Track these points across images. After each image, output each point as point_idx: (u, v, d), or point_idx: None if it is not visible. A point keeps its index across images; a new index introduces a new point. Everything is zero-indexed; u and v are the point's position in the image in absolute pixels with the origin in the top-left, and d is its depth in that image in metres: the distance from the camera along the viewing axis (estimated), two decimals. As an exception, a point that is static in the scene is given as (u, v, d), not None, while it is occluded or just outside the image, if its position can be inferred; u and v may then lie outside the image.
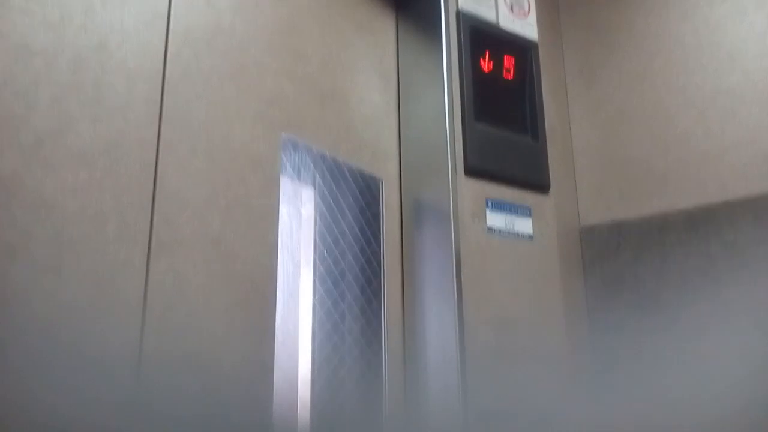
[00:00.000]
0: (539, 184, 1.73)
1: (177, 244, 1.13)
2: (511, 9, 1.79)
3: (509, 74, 1.75)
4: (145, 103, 1.13)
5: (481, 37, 1.70)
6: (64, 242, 0.99)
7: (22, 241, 0.95)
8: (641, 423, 1.66)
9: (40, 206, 0.98)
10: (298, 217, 1.38)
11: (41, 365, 0.93)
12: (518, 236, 1.66)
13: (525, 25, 1.81)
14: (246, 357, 1.20)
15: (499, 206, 1.64)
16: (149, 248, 1.09)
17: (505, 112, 1.74)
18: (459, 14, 1.67)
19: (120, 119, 1.09)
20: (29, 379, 0.92)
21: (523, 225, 1.67)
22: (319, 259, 1.39)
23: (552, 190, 1.76)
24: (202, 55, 1.24)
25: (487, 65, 1.71)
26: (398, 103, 1.71)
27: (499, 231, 1.63)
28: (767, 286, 1.58)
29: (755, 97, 1.69)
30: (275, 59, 1.39)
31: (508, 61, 1.75)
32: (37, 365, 0.93)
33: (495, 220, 1.63)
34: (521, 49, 1.79)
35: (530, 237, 1.67)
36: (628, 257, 1.80)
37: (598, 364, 1.77)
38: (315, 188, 1.42)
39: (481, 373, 1.49)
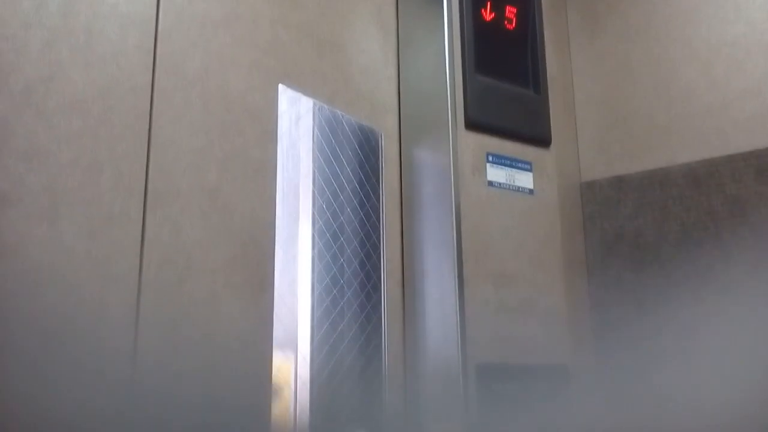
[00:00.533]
0: (540, 138, 1.71)
1: (173, 196, 1.11)
2: (513, -42, 1.74)
3: (511, 24, 1.71)
4: (139, 51, 1.10)
5: (483, -14, 1.66)
6: (58, 192, 0.97)
7: (15, 189, 0.93)
8: (640, 379, 1.66)
9: (33, 155, 0.96)
10: (297, 169, 1.35)
11: (36, 315, 0.92)
12: (519, 191, 1.64)
13: (527, -25, 1.77)
14: (245, 310, 1.19)
15: (500, 160, 1.63)
16: (145, 199, 1.08)
17: (507, 64, 1.70)
18: (460, -38, 1.62)
19: (113, 66, 1.06)
20: (24, 329, 0.91)
21: (524, 179, 1.66)
22: (318, 212, 1.38)
23: (553, 144, 1.73)
24: (196, 2, 1.21)
25: (488, 15, 1.67)
26: (397, 53, 1.68)
27: (500, 185, 1.61)
28: (768, 241, 1.57)
29: (761, 47, 1.65)
30: (270, 6, 1.35)
31: (510, 11, 1.71)
32: (32, 315, 0.92)
33: (495, 174, 1.61)
34: (524, -2, 1.75)
35: (531, 191, 1.66)
36: (629, 212, 1.79)
37: (598, 318, 1.77)
38: (313, 140, 1.40)
39: (480, 328, 1.49)
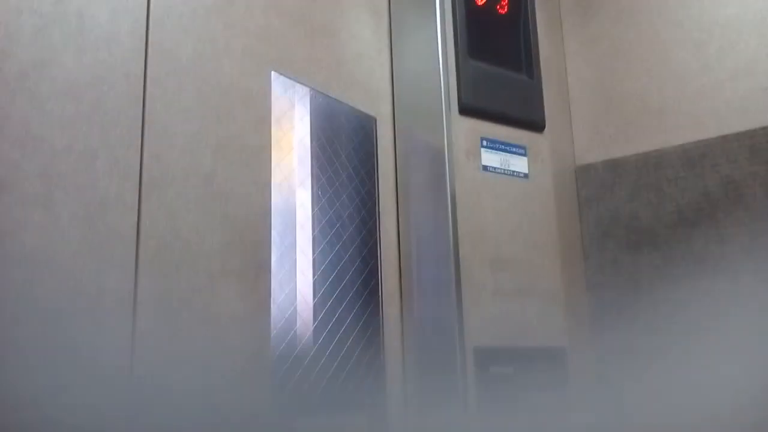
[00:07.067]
0: (534, 123, 1.72)
1: (168, 181, 1.12)
2: (505, -58, 1.74)
3: (503, 9, 1.71)
4: (131, 37, 1.11)
5: (474, -29, 1.67)
6: (53, 177, 0.98)
7: (11, 175, 0.93)
8: (637, 359, 1.67)
9: (27, 141, 0.96)
10: (292, 155, 1.36)
11: (32, 300, 0.93)
12: (513, 175, 1.65)
13: (519, -41, 1.77)
14: (242, 294, 1.19)
15: (494, 145, 1.63)
16: (140, 184, 1.08)
17: (500, 48, 1.71)
18: (451, -53, 1.62)
19: (105, 52, 1.06)
20: (19, 315, 0.91)
21: (519, 163, 1.66)
22: (314, 198, 1.38)
23: (547, 128, 1.74)
24: (188, -12, 1.21)
25: (480, -1, 1.68)
26: (390, 39, 1.68)
27: (494, 170, 1.61)
28: (764, 221, 1.58)
29: (752, 28, 1.66)
30: (263, -8, 1.35)
31: (502, -5, 1.72)
32: (28, 300, 0.92)
33: (490, 158, 1.62)
34: (515, -18, 1.75)
35: (525, 176, 1.66)
36: (624, 195, 1.79)
37: (594, 300, 1.78)
38: (308, 126, 1.40)
39: (477, 311, 1.49)
